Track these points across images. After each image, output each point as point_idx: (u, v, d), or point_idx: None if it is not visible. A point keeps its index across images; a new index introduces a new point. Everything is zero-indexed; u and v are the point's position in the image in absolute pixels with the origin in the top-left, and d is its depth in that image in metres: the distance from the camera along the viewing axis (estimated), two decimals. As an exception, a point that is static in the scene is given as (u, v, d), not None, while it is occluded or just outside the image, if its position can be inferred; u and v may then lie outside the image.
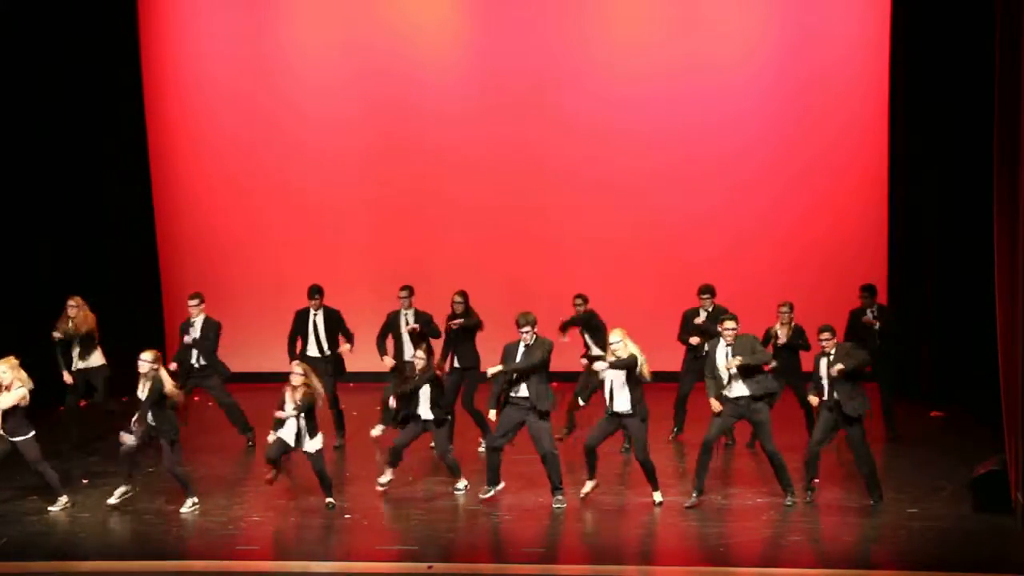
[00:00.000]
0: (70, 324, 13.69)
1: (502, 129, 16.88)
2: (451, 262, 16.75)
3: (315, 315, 13.85)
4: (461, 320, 13.34)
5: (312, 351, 13.77)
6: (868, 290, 13.81)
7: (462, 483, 12.06)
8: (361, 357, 14.21)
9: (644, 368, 11.34)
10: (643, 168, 16.73)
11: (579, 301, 13.61)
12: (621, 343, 11.31)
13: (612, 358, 11.33)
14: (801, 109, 16.54)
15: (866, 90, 16.33)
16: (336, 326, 13.90)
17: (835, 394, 11.38)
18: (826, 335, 11.59)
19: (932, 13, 15.28)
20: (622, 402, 11.38)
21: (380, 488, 11.93)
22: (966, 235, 14.74)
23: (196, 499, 11.62)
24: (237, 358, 14.63)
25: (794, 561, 10.32)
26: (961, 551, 10.29)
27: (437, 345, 13.59)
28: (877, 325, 13.58)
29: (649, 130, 16.70)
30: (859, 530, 10.90)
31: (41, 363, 14.24)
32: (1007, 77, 10.94)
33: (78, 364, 13.76)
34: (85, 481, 12.48)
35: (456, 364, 13.57)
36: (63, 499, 11.67)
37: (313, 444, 11.48)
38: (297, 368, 11.52)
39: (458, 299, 13.61)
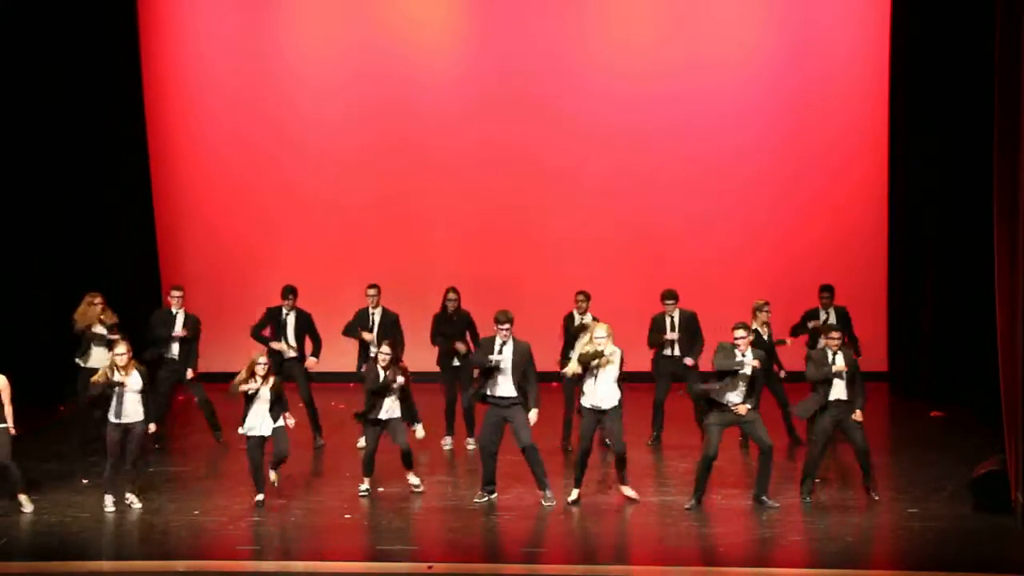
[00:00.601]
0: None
1: (502, 129, 16.87)
2: (451, 261, 16.74)
3: (287, 315, 13.82)
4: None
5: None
6: (828, 290, 13.82)
7: (416, 479, 12.05)
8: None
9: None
10: (643, 168, 16.73)
11: (581, 298, 13.60)
12: (607, 339, 11.29)
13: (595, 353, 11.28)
14: (801, 109, 16.55)
15: (866, 91, 16.35)
16: (306, 329, 13.88)
17: (840, 394, 11.40)
18: (835, 334, 11.59)
19: (932, 13, 15.28)
20: (609, 398, 11.35)
21: (361, 496, 11.93)
22: (966, 235, 14.74)
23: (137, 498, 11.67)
24: (237, 358, 14.60)
25: (794, 561, 10.32)
26: (961, 551, 10.29)
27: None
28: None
29: (649, 130, 16.70)
30: (859, 530, 10.89)
31: (41, 363, 14.30)
32: (1007, 77, 10.94)
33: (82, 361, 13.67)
34: (85, 481, 12.47)
35: (454, 363, 13.60)
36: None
37: (279, 422, 11.63)
38: (261, 358, 11.64)
39: (452, 296, 13.65)
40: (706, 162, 16.69)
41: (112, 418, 11.53)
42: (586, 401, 11.47)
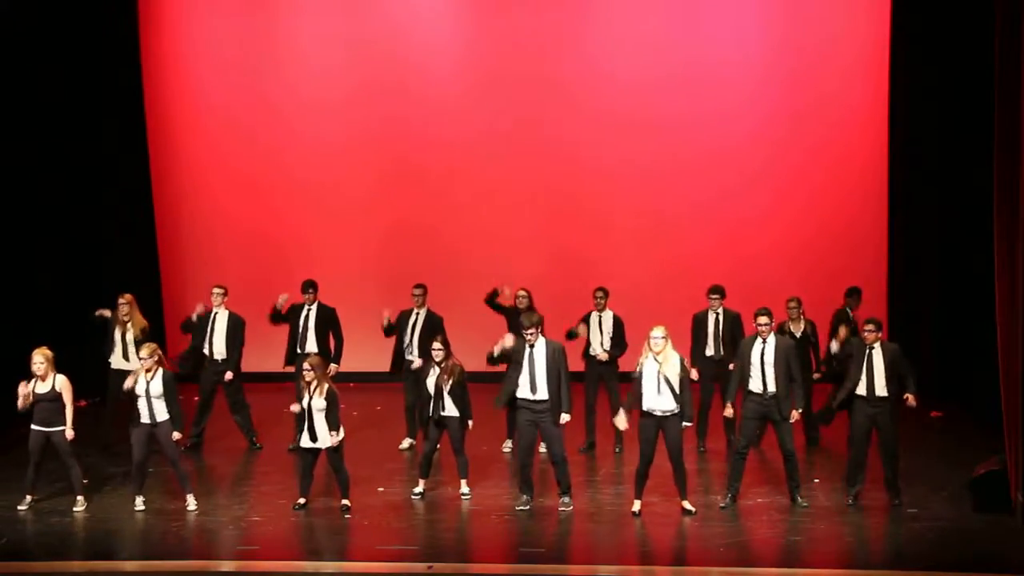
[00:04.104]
0: (126, 323, 13.55)
1: (505, 113, 16.77)
2: (458, 249, 16.76)
3: (308, 311, 13.76)
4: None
5: (301, 348, 13.63)
6: (853, 293, 13.75)
7: (467, 488, 11.99)
8: (362, 357, 14.19)
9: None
10: (647, 156, 16.63)
11: (600, 295, 13.34)
12: (664, 339, 11.01)
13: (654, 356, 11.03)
14: (800, 105, 16.49)
15: (867, 87, 16.31)
16: (328, 326, 13.77)
17: (881, 391, 11.28)
18: (870, 327, 11.39)
19: (932, 10, 15.29)
20: (669, 402, 11.07)
21: (416, 497, 11.86)
22: (966, 235, 14.74)
23: (194, 498, 11.67)
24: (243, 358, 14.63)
25: (794, 561, 10.32)
26: (961, 551, 10.29)
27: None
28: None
29: (653, 119, 16.60)
30: (859, 530, 10.90)
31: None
32: (1007, 74, 10.94)
33: (121, 364, 13.53)
34: (85, 481, 12.46)
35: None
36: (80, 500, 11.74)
37: (335, 438, 11.41)
38: (306, 365, 11.50)
39: (522, 294, 13.38)
40: (707, 154, 16.60)
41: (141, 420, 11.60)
42: (651, 406, 11.14)
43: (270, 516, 11.46)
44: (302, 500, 11.56)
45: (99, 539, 11.00)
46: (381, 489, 12.12)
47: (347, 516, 11.38)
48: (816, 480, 12.03)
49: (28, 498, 11.72)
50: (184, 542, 10.88)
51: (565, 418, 11.43)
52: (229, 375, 13.65)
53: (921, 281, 15.89)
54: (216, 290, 13.84)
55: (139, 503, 11.62)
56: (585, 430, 13.36)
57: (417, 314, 13.46)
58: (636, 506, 11.31)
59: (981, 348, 13.24)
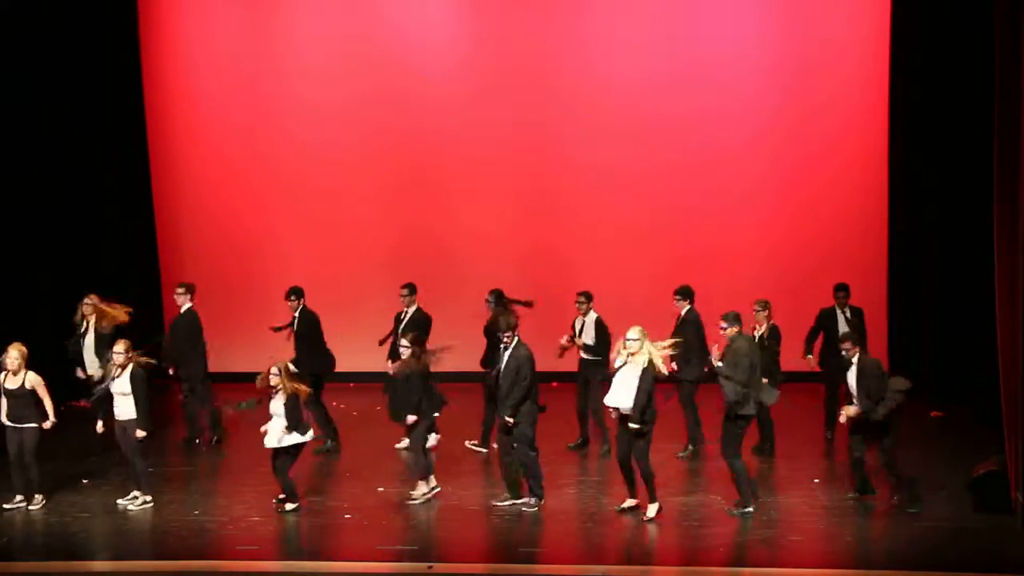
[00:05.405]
0: (96, 322, 13.54)
1: (506, 118, 16.76)
2: (453, 257, 16.73)
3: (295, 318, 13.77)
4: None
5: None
6: (843, 290, 13.73)
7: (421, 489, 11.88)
8: (361, 357, 14.18)
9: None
10: (647, 158, 16.58)
11: (582, 299, 13.34)
12: (638, 341, 11.01)
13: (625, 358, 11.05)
14: (801, 109, 16.46)
15: (867, 89, 16.30)
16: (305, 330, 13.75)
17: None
18: (846, 344, 11.35)
19: (932, 12, 15.28)
20: (629, 401, 11.02)
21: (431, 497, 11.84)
22: (966, 235, 14.72)
23: (149, 496, 11.67)
24: (241, 358, 14.64)
25: (794, 561, 10.32)
26: (961, 551, 10.30)
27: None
28: None
29: (654, 120, 16.56)
30: (859, 530, 10.90)
31: (40, 363, 14.26)
32: (1007, 75, 10.94)
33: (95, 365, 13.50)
34: (85, 481, 12.48)
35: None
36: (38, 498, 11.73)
37: (291, 438, 11.40)
38: (273, 369, 11.49)
39: (488, 299, 13.37)
40: (704, 157, 16.61)
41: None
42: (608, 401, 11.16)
43: (270, 516, 11.46)
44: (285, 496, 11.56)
45: (99, 539, 11.01)
46: (381, 489, 12.11)
47: (347, 516, 11.38)
48: (816, 480, 12.01)
49: (19, 497, 11.70)
50: (184, 542, 10.87)
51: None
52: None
53: (921, 281, 15.89)
54: (179, 290, 13.98)
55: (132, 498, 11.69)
56: (579, 430, 13.43)
57: (406, 312, 13.53)
58: (650, 505, 11.27)
59: (981, 348, 13.24)
